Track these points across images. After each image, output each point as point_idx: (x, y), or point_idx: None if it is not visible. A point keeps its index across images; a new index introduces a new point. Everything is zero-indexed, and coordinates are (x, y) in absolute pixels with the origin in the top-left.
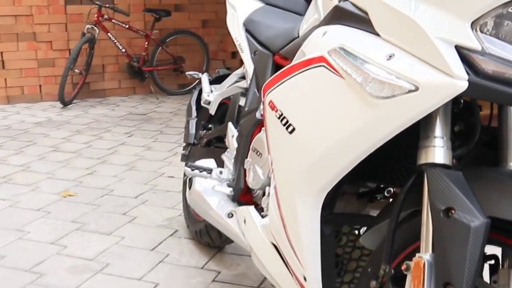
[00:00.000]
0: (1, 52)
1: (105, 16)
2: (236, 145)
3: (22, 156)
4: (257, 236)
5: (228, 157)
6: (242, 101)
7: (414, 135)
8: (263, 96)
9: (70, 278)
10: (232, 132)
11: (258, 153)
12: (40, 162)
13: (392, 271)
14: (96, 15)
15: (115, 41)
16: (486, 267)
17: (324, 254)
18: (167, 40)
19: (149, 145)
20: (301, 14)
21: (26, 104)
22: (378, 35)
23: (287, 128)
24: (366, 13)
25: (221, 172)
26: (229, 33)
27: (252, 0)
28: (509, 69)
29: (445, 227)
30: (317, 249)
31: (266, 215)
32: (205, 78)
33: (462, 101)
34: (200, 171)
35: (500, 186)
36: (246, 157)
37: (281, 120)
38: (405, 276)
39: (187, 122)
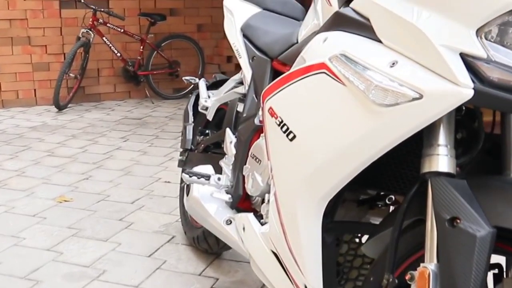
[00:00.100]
0: None
1: (100, 20)
2: (234, 151)
3: (17, 161)
4: (256, 244)
5: (226, 164)
6: (240, 107)
7: (415, 142)
8: (263, 102)
9: (66, 285)
10: (230, 138)
11: (257, 160)
12: (35, 167)
13: (396, 280)
14: (91, 19)
15: (110, 45)
16: (490, 276)
17: (325, 263)
18: (162, 44)
19: (145, 150)
20: (299, 19)
21: (20, 108)
22: (380, 41)
23: (287, 135)
24: (367, 19)
25: (219, 179)
26: (224, 37)
27: (249, 5)
28: None
29: (450, 236)
30: (318, 258)
31: (265, 223)
32: (202, 83)
33: (464, 108)
34: (198, 178)
35: (504, 195)
36: (245, 164)
37: (281, 127)
38: (409, 286)
39: (184, 128)
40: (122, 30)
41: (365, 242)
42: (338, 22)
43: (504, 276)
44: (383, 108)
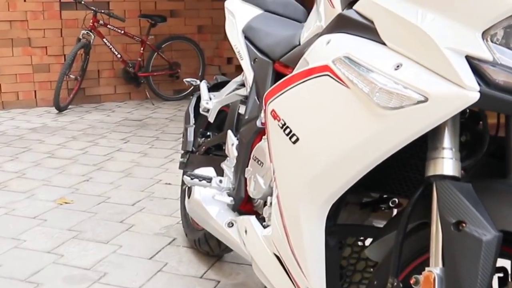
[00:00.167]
0: None
1: (101, 22)
2: (236, 153)
3: (17, 162)
4: (258, 247)
5: (228, 166)
6: (241, 109)
7: (419, 145)
8: (265, 104)
9: None
10: (231, 140)
11: (259, 162)
12: (35, 169)
13: (401, 284)
14: (91, 21)
15: (111, 46)
16: (495, 280)
17: (328, 266)
18: (163, 46)
19: (145, 152)
20: (301, 21)
21: (21, 109)
22: (384, 44)
23: (290, 138)
24: (371, 21)
25: (221, 181)
26: (225, 39)
27: (251, 7)
28: None
29: (455, 240)
30: (321, 261)
31: (267, 225)
32: (203, 85)
33: (468, 110)
34: (200, 180)
35: (510, 198)
36: (247, 166)
37: (284, 130)
38: None
39: (185, 130)
40: (122, 32)
41: (369, 245)
42: (341, 24)
43: (509, 280)
44: (388, 111)
